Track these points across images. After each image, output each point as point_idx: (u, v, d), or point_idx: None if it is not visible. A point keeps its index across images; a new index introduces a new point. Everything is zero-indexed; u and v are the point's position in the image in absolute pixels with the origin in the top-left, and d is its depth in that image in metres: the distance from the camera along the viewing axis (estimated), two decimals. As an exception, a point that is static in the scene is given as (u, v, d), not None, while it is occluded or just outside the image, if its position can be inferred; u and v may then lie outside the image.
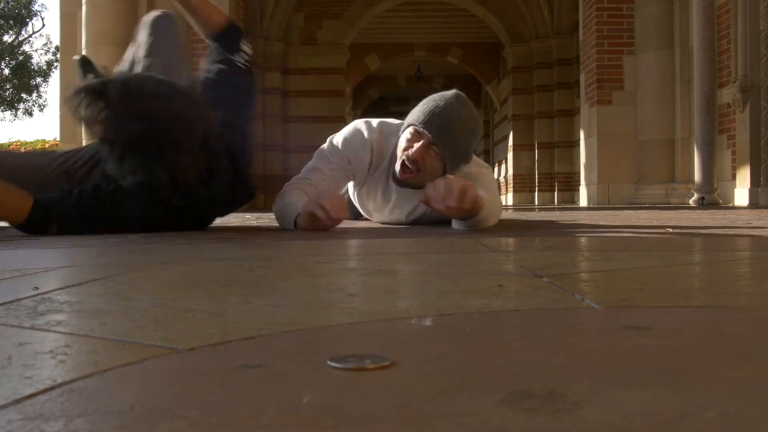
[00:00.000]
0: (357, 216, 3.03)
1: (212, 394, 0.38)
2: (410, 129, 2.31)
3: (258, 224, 2.81)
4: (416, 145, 2.26)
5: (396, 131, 2.43)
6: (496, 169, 15.41)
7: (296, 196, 2.29)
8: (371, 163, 2.50)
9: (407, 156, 2.28)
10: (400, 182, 2.41)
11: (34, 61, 29.13)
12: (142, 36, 2.48)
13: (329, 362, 0.44)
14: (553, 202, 11.27)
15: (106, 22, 6.23)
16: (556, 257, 1.25)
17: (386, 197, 2.55)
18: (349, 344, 0.52)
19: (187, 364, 0.46)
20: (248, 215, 4.26)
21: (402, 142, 2.33)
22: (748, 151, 5.55)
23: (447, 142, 2.25)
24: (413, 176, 2.31)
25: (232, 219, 3.44)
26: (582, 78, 7.65)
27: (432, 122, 2.25)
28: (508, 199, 12.74)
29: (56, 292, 0.80)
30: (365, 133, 2.49)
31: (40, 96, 30.12)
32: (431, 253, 1.34)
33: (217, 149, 2.15)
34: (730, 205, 5.71)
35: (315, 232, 2.09)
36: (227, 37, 2.47)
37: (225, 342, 0.52)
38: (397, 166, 2.33)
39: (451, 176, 2.06)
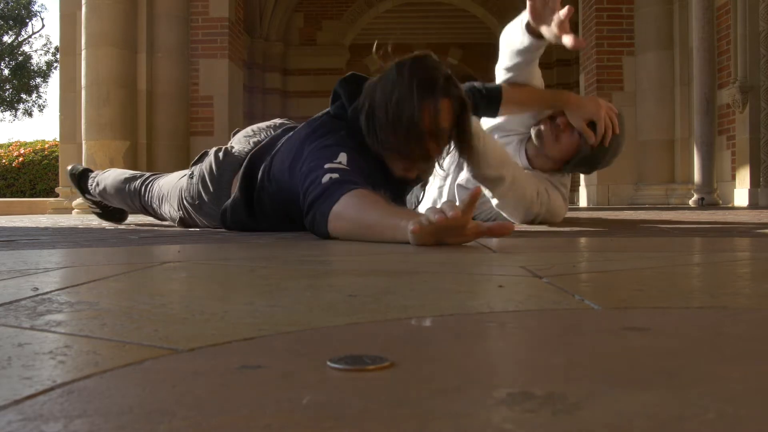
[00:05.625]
0: None
1: (212, 394, 0.38)
2: None
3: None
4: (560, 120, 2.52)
5: None
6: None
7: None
8: None
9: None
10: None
11: (34, 61, 29.16)
12: None
13: (329, 363, 0.44)
14: (553, 203, 11.25)
15: (105, 22, 6.22)
16: (555, 258, 1.25)
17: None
18: (349, 344, 0.52)
19: (187, 364, 0.46)
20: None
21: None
22: (747, 151, 5.55)
23: None
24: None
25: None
26: (582, 79, 7.65)
27: None
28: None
29: (56, 292, 0.80)
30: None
31: (39, 96, 30.21)
32: (431, 253, 1.33)
33: None
34: (730, 205, 5.71)
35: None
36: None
37: (225, 342, 0.52)
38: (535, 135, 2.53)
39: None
